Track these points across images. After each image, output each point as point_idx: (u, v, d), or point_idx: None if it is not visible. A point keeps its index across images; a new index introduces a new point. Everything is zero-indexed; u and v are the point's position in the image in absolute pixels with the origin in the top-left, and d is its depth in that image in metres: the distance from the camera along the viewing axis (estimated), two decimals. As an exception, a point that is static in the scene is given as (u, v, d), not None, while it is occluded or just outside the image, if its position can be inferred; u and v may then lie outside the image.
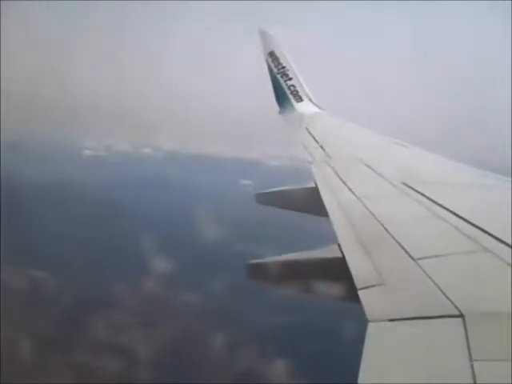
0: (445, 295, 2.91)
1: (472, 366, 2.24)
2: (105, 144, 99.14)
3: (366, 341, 2.57)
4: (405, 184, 5.51)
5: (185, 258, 35.72)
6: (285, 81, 12.64)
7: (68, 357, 25.51)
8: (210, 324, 29.50)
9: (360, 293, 3.13)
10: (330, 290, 3.81)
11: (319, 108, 12.65)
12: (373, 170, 6.50)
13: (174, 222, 44.27)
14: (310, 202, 5.89)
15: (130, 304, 30.82)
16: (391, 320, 2.75)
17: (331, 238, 4.18)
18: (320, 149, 8.28)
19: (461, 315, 2.67)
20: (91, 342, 27.13)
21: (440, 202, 4.70)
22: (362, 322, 2.79)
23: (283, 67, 12.61)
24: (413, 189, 5.31)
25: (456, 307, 2.75)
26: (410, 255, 3.57)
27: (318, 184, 6.08)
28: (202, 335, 28.15)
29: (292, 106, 12.59)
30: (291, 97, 12.62)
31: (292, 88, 12.62)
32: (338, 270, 3.66)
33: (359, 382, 2.26)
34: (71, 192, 50.75)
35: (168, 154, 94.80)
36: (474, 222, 4.04)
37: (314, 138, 9.22)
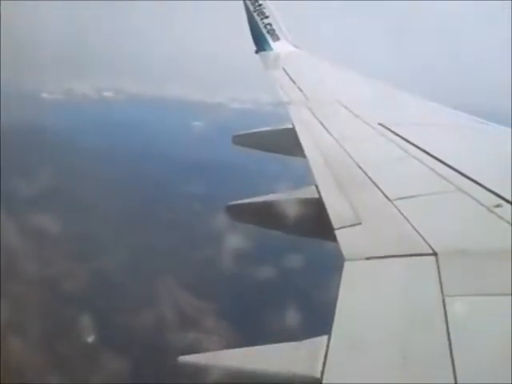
0: (419, 234, 3.00)
1: (444, 301, 2.34)
2: (65, 87, 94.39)
3: (343, 278, 2.65)
4: (381, 125, 5.54)
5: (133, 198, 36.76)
6: (261, 19, 12.34)
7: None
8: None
9: (337, 232, 3.20)
10: (308, 229, 3.89)
11: (297, 47, 12.45)
12: (350, 111, 6.49)
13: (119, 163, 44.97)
14: (288, 144, 5.89)
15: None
16: (367, 258, 2.83)
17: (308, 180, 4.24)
18: (297, 89, 8.21)
19: (434, 253, 2.76)
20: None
21: (415, 143, 4.76)
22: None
23: (260, 5, 12.29)
24: (389, 130, 5.34)
25: (430, 246, 2.84)
26: (386, 196, 3.64)
27: (296, 126, 6.06)
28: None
29: (269, 45, 12.36)
30: (268, 36, 12.37)
31: (269, 27, 12.35)
32: (315, 210, 3.72)
33: (335, 317, 2.35)
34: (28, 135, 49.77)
35: (130, 97, 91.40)
36: (448, 163, 4.11)
37: (290, 78, 9.11)
